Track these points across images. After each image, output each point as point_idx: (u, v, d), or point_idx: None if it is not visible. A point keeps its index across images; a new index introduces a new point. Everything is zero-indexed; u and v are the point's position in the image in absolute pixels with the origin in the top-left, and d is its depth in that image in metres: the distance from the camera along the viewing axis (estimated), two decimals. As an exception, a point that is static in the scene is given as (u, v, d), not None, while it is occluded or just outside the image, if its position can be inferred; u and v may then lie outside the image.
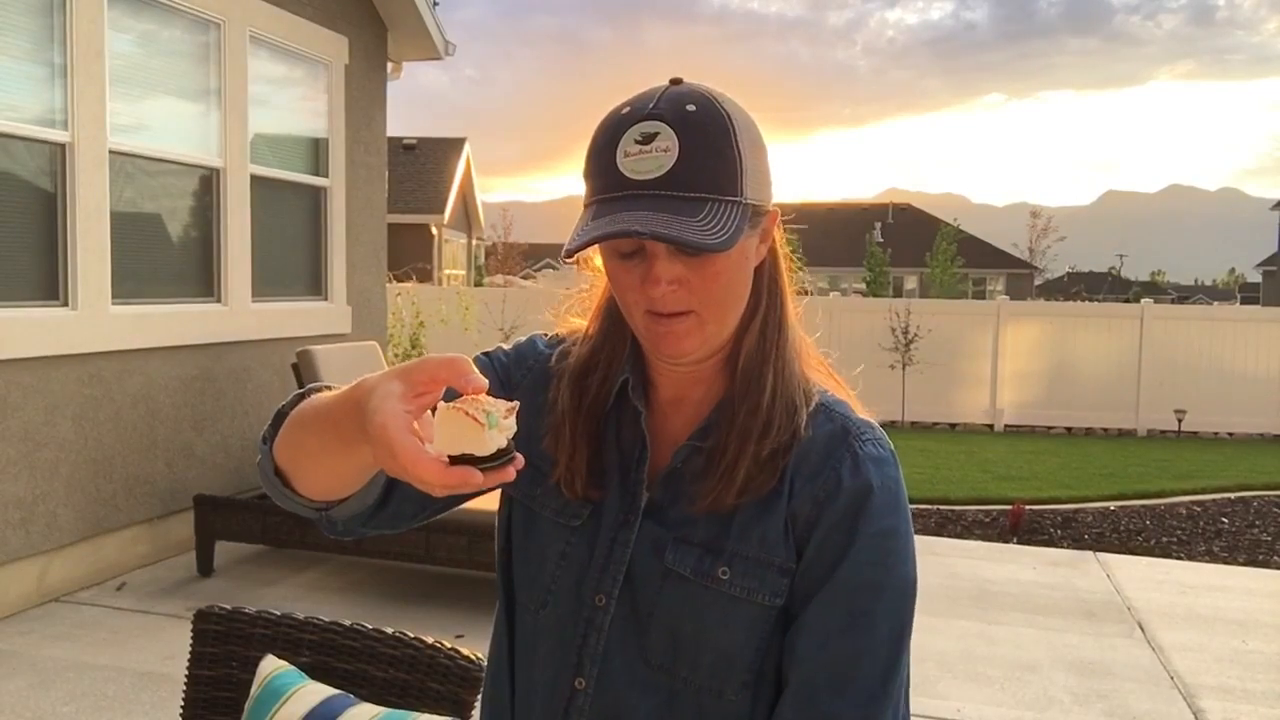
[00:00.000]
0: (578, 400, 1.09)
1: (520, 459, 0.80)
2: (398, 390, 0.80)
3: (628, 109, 0.97)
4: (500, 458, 0.79)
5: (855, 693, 0.95)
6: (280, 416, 1.02)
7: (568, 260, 1.04)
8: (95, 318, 4.71)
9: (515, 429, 0.79)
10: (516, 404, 0.81)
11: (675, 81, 0.98)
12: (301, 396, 1.02)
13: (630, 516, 1.06)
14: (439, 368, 0.81)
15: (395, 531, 1.11)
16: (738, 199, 0.95)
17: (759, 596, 0.99)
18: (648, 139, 0.94)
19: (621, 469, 1.07)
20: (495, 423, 0.78)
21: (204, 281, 5.57)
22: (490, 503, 1.15)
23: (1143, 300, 13.68)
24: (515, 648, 1.12)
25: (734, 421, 1.02)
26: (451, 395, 0.81)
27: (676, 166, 0.93)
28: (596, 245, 1.02)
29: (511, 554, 1.14)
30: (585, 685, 1.05)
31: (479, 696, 1.52)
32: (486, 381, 0.81)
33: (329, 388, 1.00)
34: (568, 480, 1.06)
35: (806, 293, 1.12)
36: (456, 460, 0.77)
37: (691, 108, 0.95)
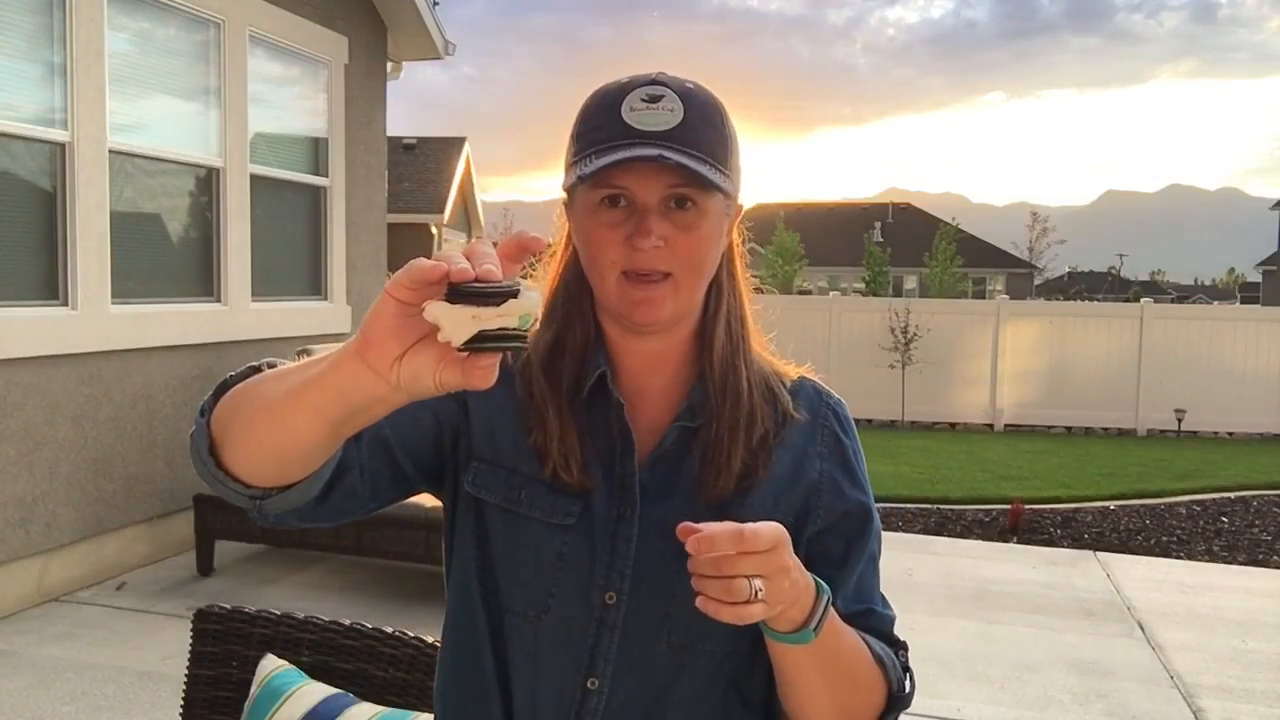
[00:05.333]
0: (555, 384, 1.08)
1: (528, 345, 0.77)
2: (391, 306, 0.75)
3: (625, 80, 1.02)
4: (511, 340, 0.74)
5: (881, 598, 1.14)
6: (224, 388, 0.94)
7: (566, 189, 1.07)
8: (95, 317, 4.71)
9: (536, 306, 0.74)
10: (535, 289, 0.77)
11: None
12: (255, 370, 0.95)
13: (626, 510, 1.05)
14: (430, 263, 0.73)
15: (332, 525, 1.06)
16: (728, 173, 1.02)
17: None
18: (654, 99, 0.99)
19: (603, 463, 1.06)
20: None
21: (204, 281, 5.57)
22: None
23: (1142, 300, 13.69)
24: (509, 660, 1.07)
25: (720, 413, 1.06)
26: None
27: (682, 127, 0.98)
28: (564, 205, 1.09)
29: (489, 563, 1.08)
30: (599, 685, 1.04)
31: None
32: (491, 252, 0.74)
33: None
34: (562, 464, 1.04)
35: (760, 290, 1.18)
36: (471, 345, 0.73)
37: (690, 85, 1.02)
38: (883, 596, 1.14)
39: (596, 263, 1.03)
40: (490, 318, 0.72)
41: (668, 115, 0.98)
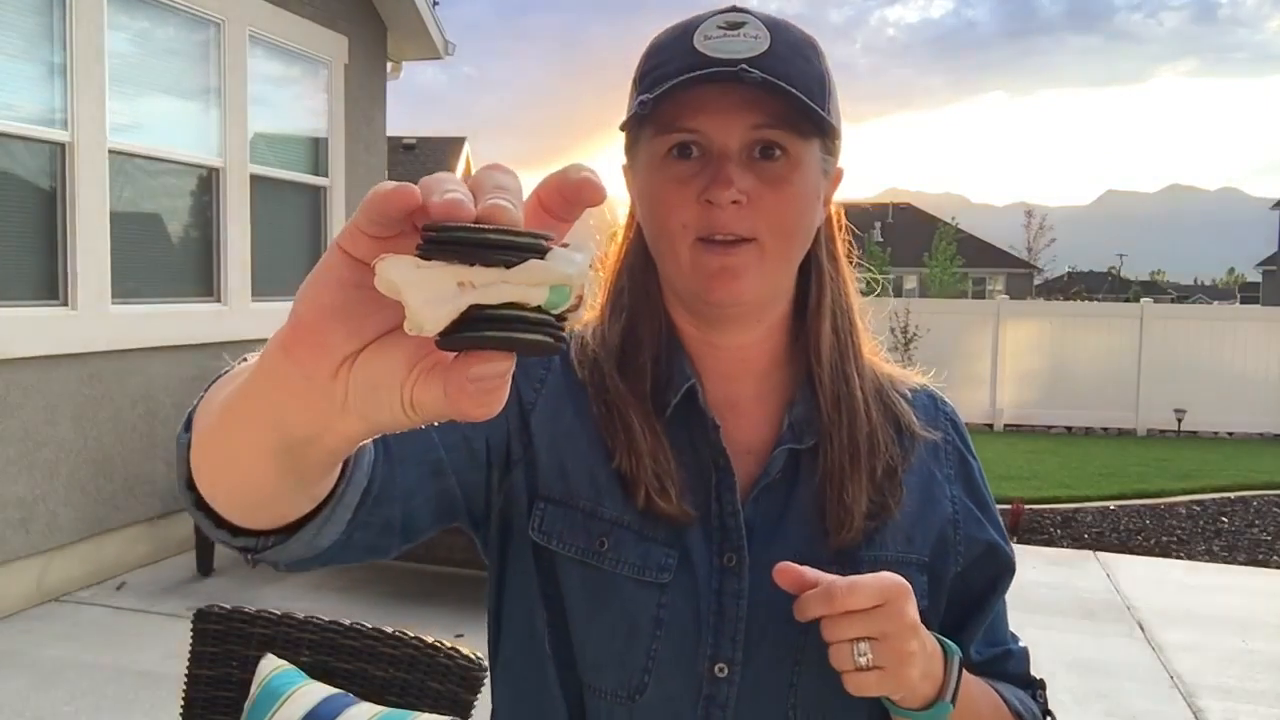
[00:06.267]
0: (636, 386, 0.87)
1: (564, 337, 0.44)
2: (338, 267, 0.44)
3: (698, 14, 0.85)
4: (530, 329, 0.42)
5: (1010, 634, 1.01)
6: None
7: (626, 147, 0.88)
8: (95, 318, 4.71)
9: (579, 276, 0.43)
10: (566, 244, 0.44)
11: None
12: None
13: (730, 557, 0.85)
14: (397, 185, 0.42)
15: (378, 559, 0.81)
16: (827, 116, 0.82)
17: None
18: (734, 26, 0.81)
19: (695, 499, 0.86)
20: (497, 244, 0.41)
21: (204, 281, 5.57)
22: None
23: (1142, 300, 13.69)
24: None
25: (835, 435, 0.88)
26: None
27: (769, 55, 0.79)
28: (625, 171, 0.90)
29: (564, 630, 0.86)
30: None
31: (478, 697, 1.52)
32: (509, 183, 0.43)
33: None
34: (657, 487, 0.83)
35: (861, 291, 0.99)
36: (457, 334, 0.42)
37: (779, 18, 0.85)
38: (1012, 632, 1.01)
39: (665, 228, 0.83)
40: (492, 285, 0.41)
41: (751, 42, 0.79)
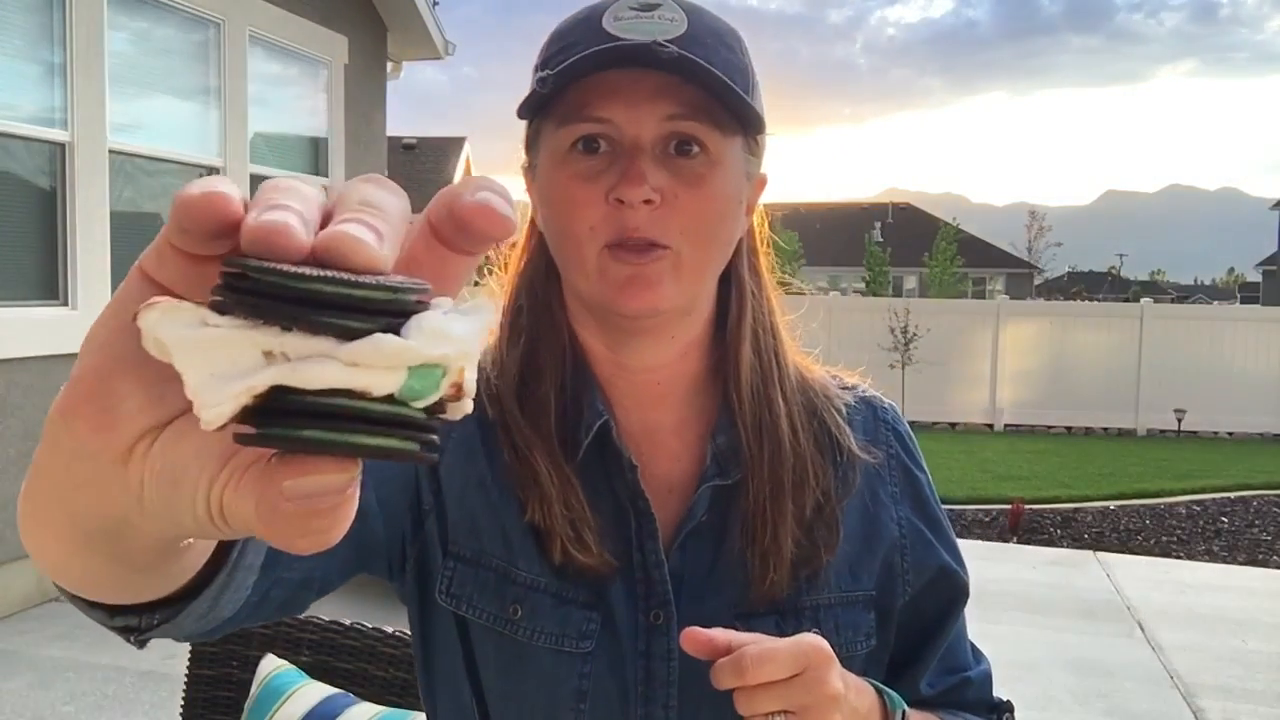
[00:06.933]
0: (540, 424, 0.78)
1: (435, 447, 0.30)
2: (134, 287, 0.36)
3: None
4: (371, 429, 0.28)
5: (977, 658, 0.93)
6: None
7: (525, 141, 0.80)
8: (95, 317, 4.72)
9: (461, 355, 0.29)
10: (427, 289, 0.30)
11: None
12: None
13: (656, 614, 0.77)
14: (214, 191, 0.31)
15: (291, 615, 0.70)
16: (750, 101, 0.74)
17: (856, 646, 0.80)
18: (648, 8, 0.73)
19: (613, 548, 0.78)
20: (332, 295, 0.28)
21: (204, 281, 5.58)
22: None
23: (1142, 300, 13.70)
24: None
25: (757, 468, 0.79)
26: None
27: (685, 39, 0.72)
28: (525, 171, 0.80)
29: (485, 701, 0.79)
30: None
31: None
32: (378, 199, 0.31)
33: None
34: (573, 539, 0.75)
35: (786, 287, 0.90)
36: (260, 428, 0.29)
37: (698, 4, 0.77)
38: (973, 649, 0.92)
39: (569, 232, 0.74)
40: (314, 360, 0.28)
41: (666, 25, 0.72)
